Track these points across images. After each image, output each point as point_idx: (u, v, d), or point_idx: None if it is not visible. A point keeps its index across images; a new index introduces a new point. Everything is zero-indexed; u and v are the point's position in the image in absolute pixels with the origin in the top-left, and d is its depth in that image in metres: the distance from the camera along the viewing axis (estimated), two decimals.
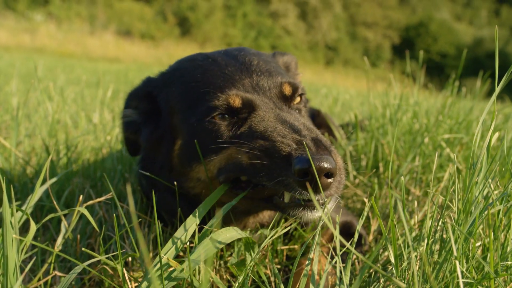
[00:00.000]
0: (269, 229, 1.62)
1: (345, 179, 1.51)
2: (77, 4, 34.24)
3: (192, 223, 1.44)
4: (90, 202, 1.56)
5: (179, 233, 1.41)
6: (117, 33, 30.71)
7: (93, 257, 1.83)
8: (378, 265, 1.76)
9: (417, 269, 1.38)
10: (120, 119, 2.02)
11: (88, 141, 3.28)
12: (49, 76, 8.83)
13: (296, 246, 1.94)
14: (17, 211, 1.39)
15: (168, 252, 1.36)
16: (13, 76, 6.16)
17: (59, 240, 1.62)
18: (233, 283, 1.69)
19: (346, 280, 1.29)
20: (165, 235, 1.91)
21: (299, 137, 1.46)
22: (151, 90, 1.89)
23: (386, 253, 1.82)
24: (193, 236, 1.46)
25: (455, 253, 1.31)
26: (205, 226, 1.45)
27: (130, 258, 1.77)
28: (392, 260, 1.36)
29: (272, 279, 1.66)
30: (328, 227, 1.58)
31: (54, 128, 3.10)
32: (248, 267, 1.46)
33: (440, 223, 1.48)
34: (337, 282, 1.31)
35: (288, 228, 1.69)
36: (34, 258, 1.58)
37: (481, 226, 1.52)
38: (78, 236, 1.80)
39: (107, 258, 1.59)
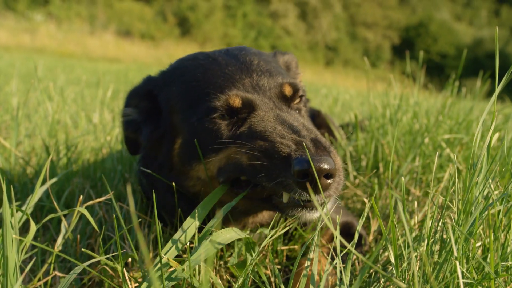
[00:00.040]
0: (269, 229, 1.62)
1: (344, 179, 1.51)
2: (77, 4, 34.23)
3: (192, 223, 1.44)
4: (90, 202, 1.56)
5: (179, 233, 1.41)
6: (117, 33, 30.72)
7: (93, 257, 1.83)
8: (378, 265, 1.76)
9: (417, 269, 1.37)
10: (120, 118, 2.02)
11: (88, 141, 3.27)
12: (49, 76, 8.83)
13: (296, 247, 1.94)
14: (17, 211, 1.39)
15: (168, 253, 1.36)
16: (13, 76, 6.16)
17: (59, 240, 1.62)
18: (233, 283, 1.69)
19: (346, 280, 1.29)
20: (165, 235, 1.91)
21: (299, 138, 1.46)
22: (151, 89, 1.89)
23: (386, 254, 1.82)
24: (193, 236, 1.46)
25: (455, 254, 1.31)
26: (205, 227, 1.45)
27: (130, 258, 1.77)
28: (392, 260, 1.36)
29: (272, 279, 1.66)
30: (328, 227, 1.58)
31: (54, 128, 3.10)
32: (248, 268, 1.45)
33: (440, 224, 1.48)
34: (337, 282, 1.31)
35: (288, 228, 1.69)
36: (34, 258, 1.58)
37: (481, 227, 1.52)
38: (78, 237, 1.80)
39: (107, 258, 1.59)
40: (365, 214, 1.43)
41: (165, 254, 1.35)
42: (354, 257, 1.82)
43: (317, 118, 3.42)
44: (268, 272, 1.73)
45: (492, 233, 1.36)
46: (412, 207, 2.34)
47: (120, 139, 3.26)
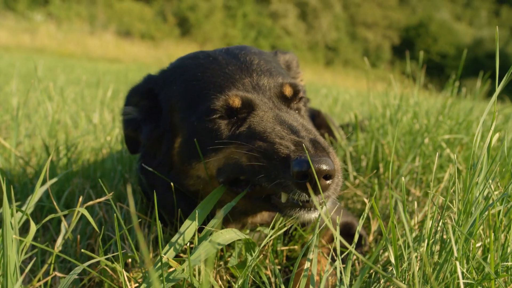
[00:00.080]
0: (269, 228, 1.62)
1: (342, 180, 1.51)
2: (77, 4, 34.23)
3: (191, 224, 1.44)
4: (90, 202, 1.56)
5: (179, 233, 1.41)
6: (117, 33, 30.71)
7: (93, 258, 1.83)
8: (379, 265, 1.76)
9: (417, 269, 1.37)
10: (121, 116, 2.02)
11: (88, 142, 3.27)
12: (49, 76, 8.83)
13: (296, 247, 1.94)
14: (17, 211, 1.39)
15: (167, 253, 1.36)
16: (13, 76, 6.16)
17: (59, 240, 1.62)
18: (233, 283, 1.69)
19: (346, 281, 1.29)
20: (165, 235, 1.91)
21: (298, 138, 1.47)
22: (152, 87, 1.89)
23: (386, 254, 1.81)
24: (193, 236, 1.46)
25: (455, 254, 1.31)
26: (205, 227, 1.45)
27: (129, 259, 1.77)
28: (393, 260, 1.36)
29: (272, 279, 1.66)
30: (329, 228, 1.58)
31: (54, 128, 3.10)
32: (249, 268, 1.45)
33: (440, 224, 1.48)
34: (337, 283, 1.31)
35: (286, 227, 1.69)
36: (34, 258, 1.58)
37: (481, 227, 1.52)
38: (78, 237, 1.80)
39: (107, 259, 1.59)
40: (365, 215, 1.43)
41: (164, 254, 1.35)
42: (354, 257, 1.82)
43: (317, 118, 3.42)
44: (268, 272, 1.73)
45: (492, 234, 1.36)
46: (412, 208, 2.34)
47: (120, 139, 3.26)
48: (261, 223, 1.84)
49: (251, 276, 1.55)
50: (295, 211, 1.48)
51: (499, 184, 1.70)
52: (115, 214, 1.44)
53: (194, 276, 1.40)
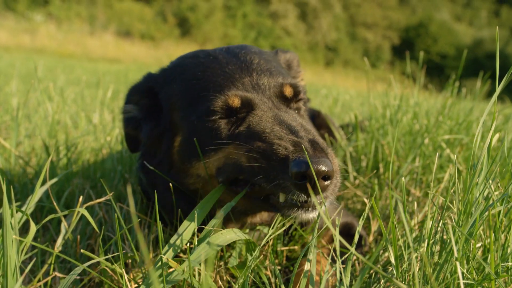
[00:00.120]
0: (270, 228, 1.62)
1: (340, 181, 1.51)
2: (77, 5, 34.25)
3: (190, 224, 1.44)
4: (90, 203, 1.56)
5: (178, 234, 1.41)
6: (117, 33, 30.73)
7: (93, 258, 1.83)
8: (379, 266, 1.76)
9: (417, 270, 1.37)
10: (121, 114, 2.02)
11: (88, 142, 3.27)
12: (49, 76, 8.83)
13: (296, 247, 1.94)
14: (17, 211, 1.39)
15: (166, 253, 1.36)
16: (13, 77, 6.16)
17: (59, 241, 1.62)
18: (233, 284, 1.68)
19: (346, 281, 1.29)
20: (164, 235, 1.91)
21: (296, 139, 1.46)
22: (152, 86, 1.90)
23: (386, 254, 1.81)
24: (194, 236, 1.46)
25: (455, 254, 1.31)
26: (205, 227, 1.45)
27: (129, 259, 1.77)
28: (393, 261, 1.36)
29: (272, 280, 1.66)
30: (329, 228, 1.58)
31: (54, 128, 3.10)
32: (249, 269, 1.45)
33: (440, 224, 1.48)
34: (337, 284, 1.31)
35: (285, 227, 1.69)
36: (34, 259, 1.58)
37: (481, 227, 1.52)
38: (78, 237, 1.80)
39: (107, 259, 1.59)
40: (365, 215, 1.43)
41: (164, 255, 1.35)
42: (354, 257, 1.81)
43: (317, 118, 3.42)
44: (268, 273, 1.73)
45: (493, 234, 1.36)
46: (412, 208, 2.34)
47: (120, 140, 3.26)
48: (261, 223, 1.84)
49: (251, 277, 1.55)
50: (293, 211, 1.48)
51: (499, 184, 1.70)
52: (115, 214, 1.44)
53: (194, 276, 1.40)
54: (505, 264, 1.40)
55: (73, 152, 2.78)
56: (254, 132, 1.55)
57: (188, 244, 1.37)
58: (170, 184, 1.71)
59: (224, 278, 1.73)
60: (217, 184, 1.65)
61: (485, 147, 1.46)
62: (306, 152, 1.37)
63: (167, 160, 1.81)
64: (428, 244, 1.41)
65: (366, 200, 1.75)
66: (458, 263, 1.28)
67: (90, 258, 1.82)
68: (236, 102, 1.61)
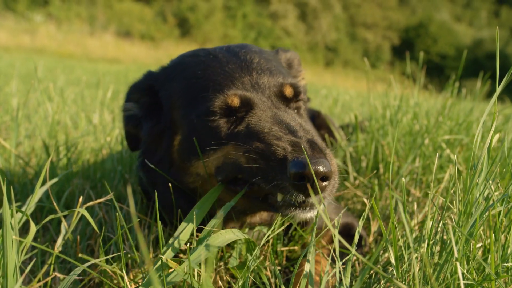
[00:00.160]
0: (271, 229, 1.62)
1: (338, 182, 1.51)
2: (77, 5, 34.25)
3: (189, 224, 1.44)
4: (90, 203, 1.56)
5: (177, 234, 1.41)
6: (117, 33, 30.74)
7: (94, 257, 1.83)
8: (379, 266, 1.76)
9: (417, 270, 1.37)
10: (121, 112, 2.02)
11: (88, 142, 3.27)
12: (49, 76, 8.83)
13: (296, 247, 1.94)
14: (17, 212, 1.39)
15: (165, 254, 1.36)
16: (13, 77, 6.16)
17: (59, 241, 1.62)
18: (233, 284, 1.68)
19: (346, 282, 1.29)
20: (164, 235, 1.91)
21: (295, 139, 1.46)
22: (152, 84, 1.90)
23: (386, 255, 1.81)
24: (194, 236, 1.46)
25: (456, 255, 1.31)
26: (205, 227, 1.45)
27: (129, 260, 1.77)
28: (393, 261, 1.36)
29: (272, 280, 1.66)
30: (329, 228, 1.58)
31: (54, 129, 3.10)
32: (249, 269, 1.45)
33: (440, 225, 1.48)
34: (337, 285, 1.30)
35: (284, 226, 1.69)
36: (34, 259, 1.58)
37: (481, 228, 1.52)
38: (78, 237, 1.80)
39: (107, 259, 1.58)
40: (365, 215, 1.43)
41: (163, 255, 1.35)
42: (355, 258, 1.81)
43: (317, 119, 3.42)
44: (268, 273, 1.73)
45: (493, 234, 1.35)
46: (412, 208, 2.34)
47: (120, 140, 3.26)
48: (260, 222, 1.84)
49: (251, 277, 1.55)
50: (290, 210, 1.48)
51: (499, 184, 1.70)
52: (116, 214, 1.44)
53: (194, 277, 1.40)
54: (505, 264, 1.40)
55: (73, 153, 2.78)
56: (253, 132, 1.55)
57: (188, 245, 1.37)
58: (173, 180, 1.71)
59: (224, 278, 1.73)
60: (216, 183, 1.65)
61: (485, 147, 1.46)
62: (304, 153, 1.37)
63: (167, 158, 1.81)
64: (428, 245, 1.41)
65: (366, 201, 1.75)
66: (458, 264, 1.28)
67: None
68: (235, 101, 1.61)
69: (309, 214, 1.49)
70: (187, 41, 34.20)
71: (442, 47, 44.98)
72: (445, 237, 1.47)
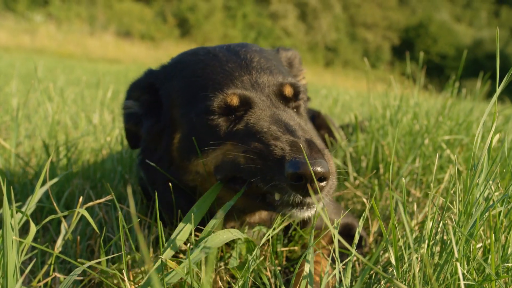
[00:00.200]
0: (268, 228, 1.62)
1: (336, 182, 1.51)
2: (77, 5, 34.25)
3: (188, 224, 1.45)
4: (90, 203, 1.56)
5: (175, 233, 1.41)
6: (117, 34, 30.74)
7: (93, 257, 1.83)
8: (379, 266, 1.76)
9: (418, 270, 1.37)
10: (122, 110, 2.02)
11: (88, 142, 3.27)
12: (49, 76, 8.83)
13: (296, 248, 1.94)
14: (17, 212, 1.39)
15: (165, 254, 1.36)
16: (13, 77, 6.16)
17: (59, 241, 1.62)
18: (233, 284, 1.68)
19: (346, 282, 1.29)
20: (164, 235, 1.91)
21: (293, 139, 1.46)
22: (153, 82, 1.90)
23: (386, 255, 1.81)
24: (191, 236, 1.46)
25: (456, 255, 1.31)
26: (204, 228, 1.45)
27: (130, 260, 1.76)
28: (393, 261, 1.36)
29: (272, 280, 1.66)
30: (329, 228, 1.58)
31: (54, 129, 3.10)
32: (249, 269, 1.45)
33: (441, 225, 1.48)
34: (337, 285, 1.30)
35: (284, 225, 1.68)
36: (34, 259, 1.58)
37: (482, 228, 1.52)
38: (78, 238, 1.80)
39: (107, 260, 1.58)
40: (365, 215, 1.43)
41: (162, 255, 1.35)
42: (355, 258, 1.81)
43: (317, 119, 3.42)
44: (268, 273, 1.73)
45: (493, 234, 1.35)
46: (412, 208, 2.34)
47: (120, 140, 3.26)
48: (260, 222, 1.84)
49: (251, 278, 1.54)
50: (288, 209, 1.48)
51: (499, 185, 1.70)
52: (118, 214, 1.44)
53: (193, 276, 1.40)
54: (505, 264, 1.40)
55: (73, 153, 2.78)
56: (251, 131, 1.55)
57: (188, 245, 1.37)
58: (173, 179, 1.71)
59: (224, 278, 1.72)
60: (215, 181, 1.65)
61: (485, 147, 1.46)
62: (302, 153, 1.37)
63: (167, 157, 1.81)
64: (428, 245, 1.41)
65: (366, 201, 1.75)
66: (458, 264, 1.28)
67: (90, 259, 1.82)
68: (234, 100, 1.62)
69: (307, 214, 1.49)
70: (187, 41, 34.18)
71: (442, 47, 44.98)
72: (445, 237, 1.47)
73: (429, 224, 1.43)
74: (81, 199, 1.64)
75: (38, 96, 4.36)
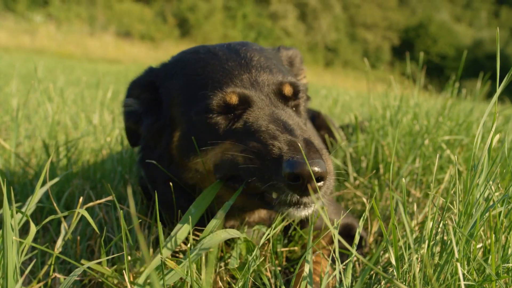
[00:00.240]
0: (271, 229, 1.62)
1: (334, 182, 1.51)
2: (77, 5, 34.28)
3: (187, 224, 1.45)
4: (90, 204, 1.55)
5: (174, 233, 1.41)
6: (117, 34, 30.76)
7: (94, 257, 1.83)
8: (379, 267, 1.76)
9: (418, 271, 1.37)
10: (122, 108, 2.02)
11: (88, 143, 3.27)
12: (49, 77, 8.83)
13: (296, 248, 1.94)
14: (17, 212, 1.39)
15: (163, 254, 1.36)
16: (13, 77, 6.16)
17: (59, 242, 1.62)
18: (233, 285, 1.68)
19: (346, 282, 1.29)
20: (164, 235, 1.91)
21: (291, 138, 1.46)
22: (153, 80, 1.90)
23: (387, 255, 1.81)
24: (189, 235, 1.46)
25: (456, 255, 1.31)
26: (203, 227, 1.45)
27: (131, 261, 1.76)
28: (393, 262, 1.36)
29: (272, 281, 1.66)
30: (329, 228, 1.58)
31: (54, 129, 3.10)
32: (249, 270, 1.45)
33: (441, 225, 1.48)
34: (337, 286, 1.30)
35: (283, 225, 1.68)
36: (34, 260, 1.58)
37: (482, 228, 1.52)
38: (78, 238, 1.80)
39: (107, 260, 1.58)
40: (365, 216, 1.43)
41: (161, 255, 1.35)
42: (355, 258, 1.81)
43: (317, 119, 3.42)
44: (268, 274, 1.73)
45: (493, 235, 1.35)
46: (413, 209, 2.34)
47: (120, 140, 3.26)
48: (259, 221, 1.84)
49: (251, 278, 1.54)
50: (285, 208, 1.48)
51: (499, 185, 1.70)
52: (118, 214, 1.44)
53: (193, 277, 1.40)
54: (505, 265, 1.40)
55: (73, 153, 2.78)
56: (249, 130, 1.55)
57: (188, 245, 1.37)
58: (171, 184, 1.71)
59: (224, 279, 1.72)
60: (215, 179, 1.65)
61: (485, 148, 1.46)
62: (302, 152, 1.36)
63: (167, 155, 1.81)
64: (428, 245, 1.41)
65: (366, 201, 1.74)
66: (458, 264, 1.28)
67: (90, 259, 1.82)
68: (233, 99, 1.62)
69: (303, 213, 1.48)
70: (187, 41, 34.19)
71: (442, 48, 45.00)
72: (445, 237, 1.47)
73: (429, 224, 1.43)
74: (81, 199, 1.64)
75: (38, 96, 4.37)
